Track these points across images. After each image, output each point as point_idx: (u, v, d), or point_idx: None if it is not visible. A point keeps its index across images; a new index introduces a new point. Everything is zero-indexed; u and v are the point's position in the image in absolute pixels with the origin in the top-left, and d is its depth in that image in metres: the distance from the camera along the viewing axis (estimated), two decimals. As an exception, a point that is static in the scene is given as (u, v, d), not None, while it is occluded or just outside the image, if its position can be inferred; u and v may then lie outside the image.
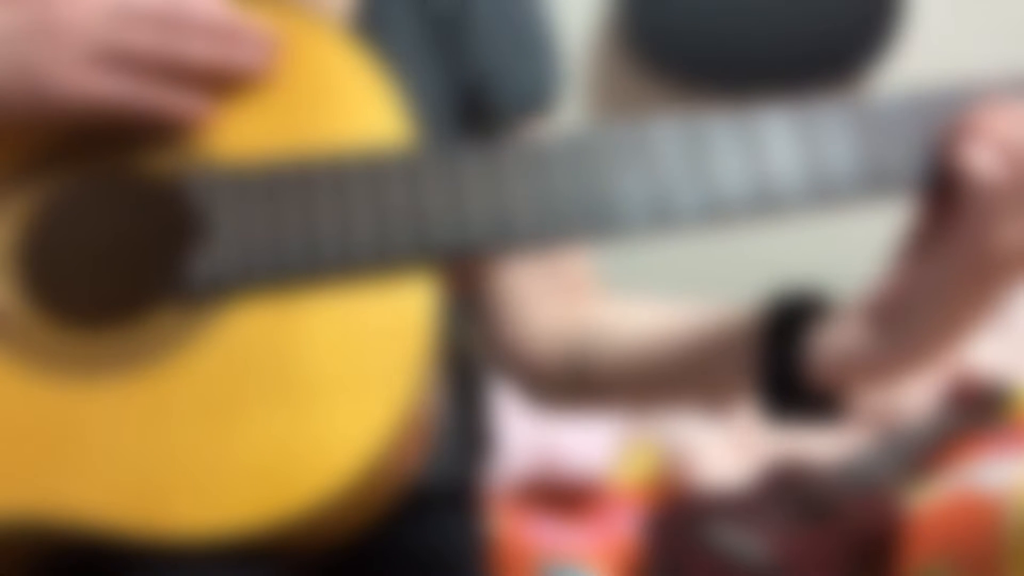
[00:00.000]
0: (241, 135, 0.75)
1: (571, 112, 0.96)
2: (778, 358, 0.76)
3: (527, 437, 1.44)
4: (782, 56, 1.93)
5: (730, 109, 0.73)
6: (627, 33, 1.93)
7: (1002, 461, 1.21)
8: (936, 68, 1.92)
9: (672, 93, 1.95)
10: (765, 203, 0.71)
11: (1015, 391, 1.35)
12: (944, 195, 0.70)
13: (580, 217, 0.71)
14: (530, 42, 0.93)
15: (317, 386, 0.69)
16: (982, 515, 1.12)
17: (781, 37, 1.92)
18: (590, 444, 1.45)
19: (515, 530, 1.36)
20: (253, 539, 0.67)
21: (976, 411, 1.35)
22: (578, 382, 0.90)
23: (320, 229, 0.71)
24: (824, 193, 0.71)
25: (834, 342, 0.73)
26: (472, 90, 0.90)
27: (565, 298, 0.93)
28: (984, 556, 1.10)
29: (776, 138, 0.72)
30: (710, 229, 0.71)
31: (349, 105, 0.75)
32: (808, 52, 1.92)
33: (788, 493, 1.30)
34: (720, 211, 0.71)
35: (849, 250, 1.76)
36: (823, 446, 1.44)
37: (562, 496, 1.44)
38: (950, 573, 1.13)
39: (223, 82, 0.74)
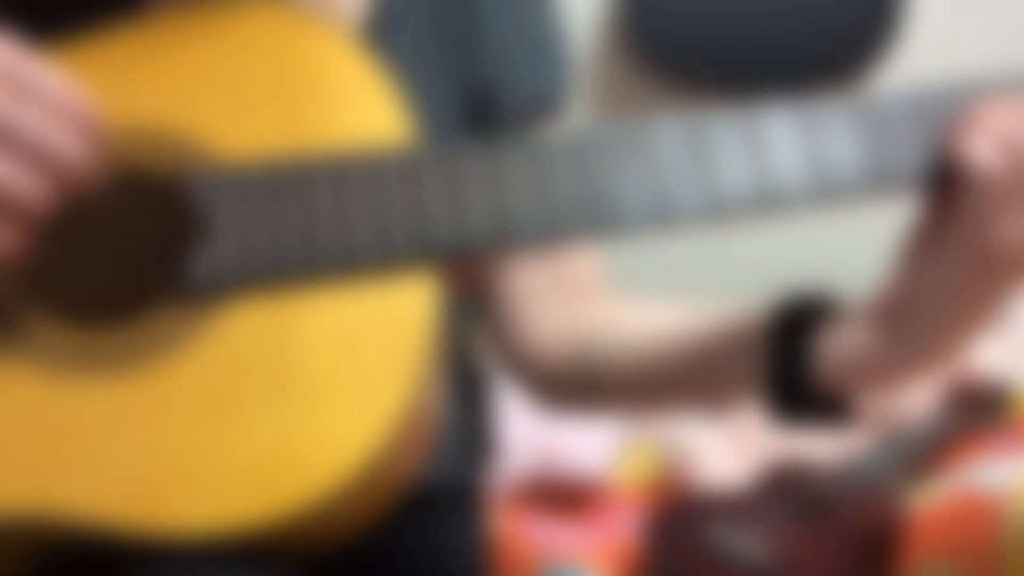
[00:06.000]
0: (242, 135, 0.75)
1: (573, 113, 0.96)
2: (785, 361, 0.76)
3: (528, 437, 1.44)
4: (783, 57, 1.93)
5: (732, 109, 0.73)
6: (629, 34, 1.93)
7: (1002, 461, 1.21)
8: (936, 68, 1.92)
9: (673, 93, 1.95)
10: (768, 200, 0.71)
11: (1015, 391, 1.35)
12: (946, 191, 0.70)
13: (581, 215, 0.71)
14: (541, 45, 0.93)
15: (317, 384, 0.69)
16: (982, 515, 1.12)
17: (782, 37, 1.92)
18: (590, 445, 1.45)
19: (515, 530, 1.36)
20: (252, 537, 0.67)
21: (976, 411, 1.35)
22: (584, 384, 0.90)
23: (320, 228, 0.71)
24: (827, 190, 0.71)
25: (841, 344, 0.73)
26: (482, 93, 0.90)
27: (571, 299, 0.93)
28: (984, 556, 1.10)
29: (778, 135, 0.72)
30: (713, 227, 0.71)
31: (350, 105, 0.75)
32: (809, 53, 1.92)
33: (788, 493, 1.30)
34: (722, 209, 0.71)
35: (855, 250, 1.76)
36: (823, 446, 1.44)
37: (562, 496, 1.44)
38: (950, 573, 1.13)
39: (37, 164, 0.69)
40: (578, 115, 1.01)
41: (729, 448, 1.48)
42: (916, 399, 1.41)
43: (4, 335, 0.73)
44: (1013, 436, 1.29)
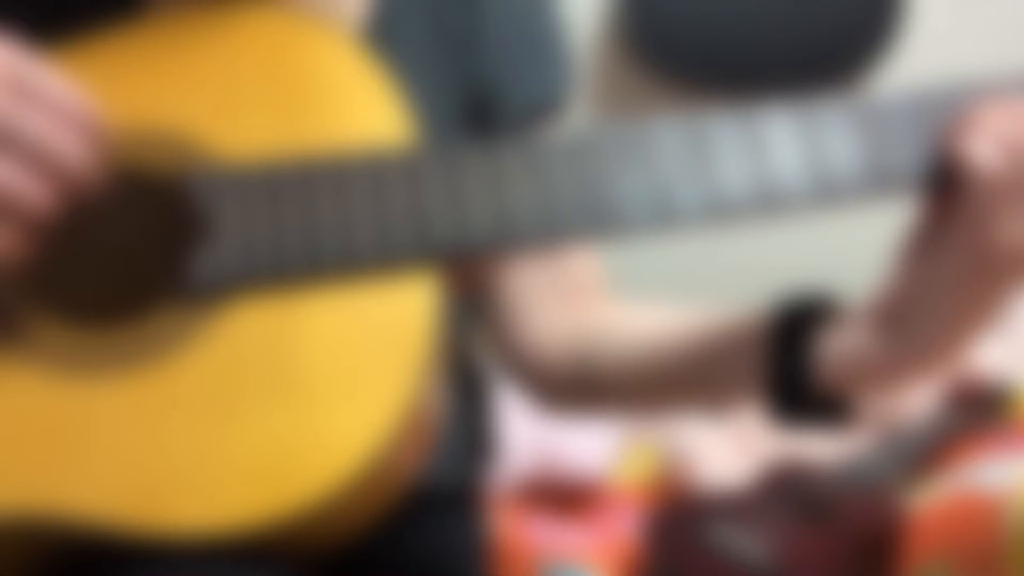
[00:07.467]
0: (243, 136, 0.75)
1: (573, 113, 0.96)
2: (785, 362, 0.76)
3: (528, 437, 1.44)
4: (783, 57, 1.93)
5: (732, 109, 0.73)
6: (629, 34, 1.93)
7: (1002, 461, 1.21)
8: (936, 68, 1.92)
9: (674, 94, 1.95)
10: (768, 202, 0.71)
11: (1015, 391, 1.35)
12: (946, 191, 0.70)
13: (581, 216, 0.71)
14: (542, 46, 0.93)
15: (318, 385, 0.69)
16: (982, 515, 1.12)
17: (782, 37, 1.92)
18: (591, 445, 1.45)
19: (515, 530, 1.36)
20: (253, 537, 0.67)
21: (976, 411, 1.35)
22: (584, 386, 0.90)
23: (321, 229, 0.72)
24: (827, 191, 0.71)
25: (841, 345, 0.73)
26: (482, 94, 0.90)
27: (571, 301, 0.93)
28: (984, 556, 1.10)
29: (778, 136, 0.72)
30: (713, 229, 0.71)
31: (351, 106, 0.75)
32: (809, 53, 1.92)
33: (789, 494, 1.30)
34: (722, 210, 0.71)
35: (855, 250, 1.76)
36: (824, 447, 1.44)
37: (563, 496, 1.44)
38: (950, 573, 1.13)
39: (39, 167, 0.69)
40: (578, 115, 1.01)
41: (729, 449, 1.48)
42: (916, 399, 1.41)
43: (7, 336, 0.73)
44: (1013, 436, 1.29)
